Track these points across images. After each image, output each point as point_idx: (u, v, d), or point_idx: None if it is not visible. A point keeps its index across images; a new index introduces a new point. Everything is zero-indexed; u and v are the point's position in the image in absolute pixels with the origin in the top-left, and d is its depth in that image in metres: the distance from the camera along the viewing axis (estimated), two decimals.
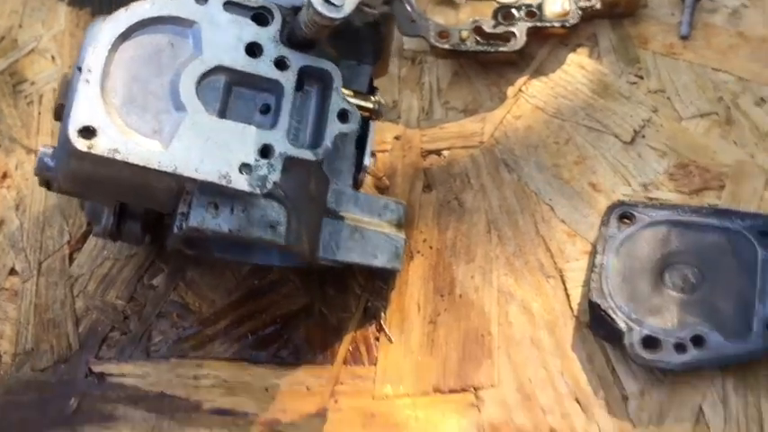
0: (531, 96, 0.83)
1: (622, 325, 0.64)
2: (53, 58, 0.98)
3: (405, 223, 0.74)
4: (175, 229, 0.63)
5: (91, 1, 1.03)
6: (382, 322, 0.72)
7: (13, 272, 0.82)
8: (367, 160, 0.73)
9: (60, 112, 0.65)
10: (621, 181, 0.75)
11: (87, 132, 0.56)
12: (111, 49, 0.59)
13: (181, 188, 0.63)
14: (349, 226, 0.70)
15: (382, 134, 0.83)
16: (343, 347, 0.71)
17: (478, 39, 0.84)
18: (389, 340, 0.71)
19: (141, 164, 0.56)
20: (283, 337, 0.73)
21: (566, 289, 0.70)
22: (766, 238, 0.66)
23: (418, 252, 0.75)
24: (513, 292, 0.71)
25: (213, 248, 0.73)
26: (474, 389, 0.67)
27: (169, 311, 0.76)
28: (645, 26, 0.84)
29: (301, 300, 0.75)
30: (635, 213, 0.70)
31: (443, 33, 0.84)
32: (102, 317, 0.77)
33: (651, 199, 0.73)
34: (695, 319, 0.64)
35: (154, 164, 0.56)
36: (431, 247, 0.75)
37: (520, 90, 0.83)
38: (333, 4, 0.58)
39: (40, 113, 0.93)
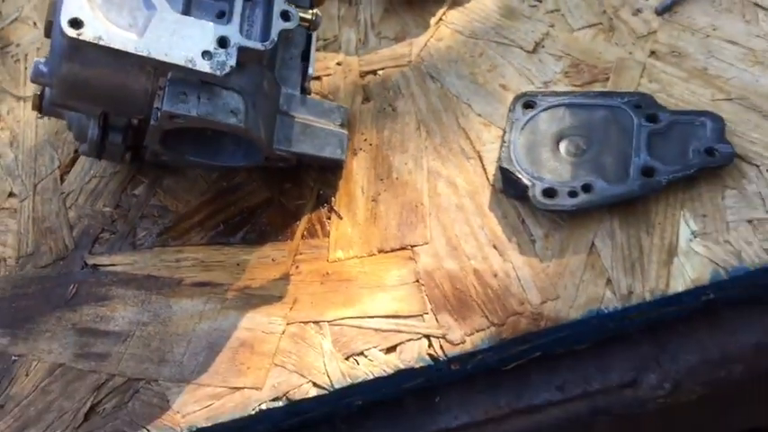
0: (450, 23, 0.97)
1: (527, 181, 0.78)
2: (34, 23, 1.10)
3: (347, 126, 0.87)
4: (153, 122, 0.76)
5: None
6: (333, 204, 0.85)
7: (11, 195, 0.94)
8: (311, 69, 0.87)
9: (49, 29, 0.77)
10: (526, 81, 0.89)
11: (76, 24, 0.68)
12: None
13: (154, 90, 0.76)
14: (300, 123, 0.84)
15: (326, 62, 0.97)
16: (301, 226, 0.84)
17: None
18: (339, 217, 0.84)
19: (120, 48, 0.69)
20: (250, 223, 0.86)
21: (483, 166, 0.84)
22: (640, 110, 0.81)
23: (360, 149, 0.89)
24: (440, 171, 0.85)
25: (186, 152, 0.86)
26: (411, 246, 0.80)
27: (151, 213, 0.88)
28: None
29: (263, 194, 0.87)
30: (536, 101, 0.85)
31: None
32: (93, 222, 0.89)
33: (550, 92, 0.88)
34: (585, 173, 0.78)
35: (131, 48, 0.69)
36: (371, 145, 0.89)
37: (441, 19, 0.97)
38: None
39: (26, 68, 1.05)
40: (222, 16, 0.77)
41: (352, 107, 0.92)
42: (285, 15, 0.77)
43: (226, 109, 0.76)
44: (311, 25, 0.83)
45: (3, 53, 1.08)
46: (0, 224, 0.91)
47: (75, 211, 0.90)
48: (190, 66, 0.71)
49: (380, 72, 0.95)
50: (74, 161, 0.95)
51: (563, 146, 0.81)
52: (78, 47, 0.71)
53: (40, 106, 0.86)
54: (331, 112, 0.87)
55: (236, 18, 0.75)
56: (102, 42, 0.69)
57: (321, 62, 0.96)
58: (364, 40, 0.98)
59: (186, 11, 0.75)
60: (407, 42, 0.97)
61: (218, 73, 0.72)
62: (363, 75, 0.95)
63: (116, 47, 0.69)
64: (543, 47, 0.92)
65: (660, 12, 0.91)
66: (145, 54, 0.70)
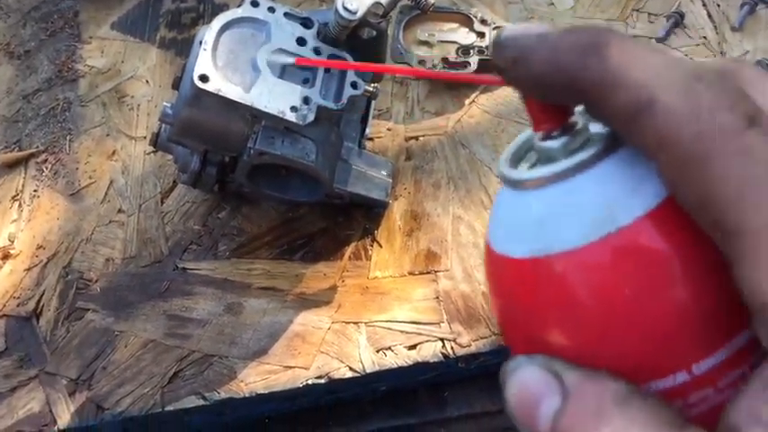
0: (480, 105, 1.18)
1: None
2: (147, 81, 1.35)
3: (392, 177, 1.08)
4: (245, 157, 0.97)
5: (174, 45, 1.41)
6: (375, 236, 1.05)
7: (120, 211, 1.15)
8: (368, 130, 1.08)
9: (176, 83, 1.00)
10: None
11: (203, 78, 0.90)
12: (218, 32, 0.94)
13: (249, 134, 0.98)
14: (355, 169, 1.05)
15: (379, 128, 1.18)
16: (349, 250, 1.03)
17: (445, 66, 1.21)
18: (380, 246, 1.03)
19: (233, 98, 0.90)
20: (308, 246, 1.05)
21: None
22: None
23: (401, 195, 1.09)
24: (462, 217, 1.04)
25: (263, 186, 1.06)
26: (434, 271, 0.99)
27: (230, 232, 1.09)
28: None
29: (321, 224, 1.07)
30: None
31: (422, 61, 1.21)
32: (184, 236, 1.09)
33: None
34: None
35: (240, 99, 0.90)
36: (409, 193, 1.09)
37: (473, 101, 1.19)
38: (349, 11, 0.95)
39: (138, 116, 1.29)
40: (306, 82, 0.99)
41: (397, 162, 1.13)
42: (354, 85, 0.98)
43: (302, 152, 0.97)
44: (372, 95, 1.05)
45: (120, 102, 1.32)
46: (110, 233, 1.12)
47: (170, 226, 1.11)
48: (281, 116, 0.93)
49: (421, 138, 1.16)
50: (172, 188, 1.16)
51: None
52: (200, 95, 0.93)
53: (155, 142, 1.08)
54: (380, 164, 1.08)
55: (318, 83, 0.97)
56: (220, 93, 0.91)
57: (375, 127, 1.18)
58: (410, 113, 1.20)
59: (281, 75, 0.97)
60: (445, 117, 1.18)
61: (300, 123, 0.93)
62: (408, 139, 1.16)
63: (230, 97, 0.91)
64: None
65: None
66: (249, 104, 0.92)
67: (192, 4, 1.48)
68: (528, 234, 0.32)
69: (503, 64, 0.32)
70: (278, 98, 0.94)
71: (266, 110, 0.93)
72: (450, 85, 1.22)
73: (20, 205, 1.17)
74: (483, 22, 1.25)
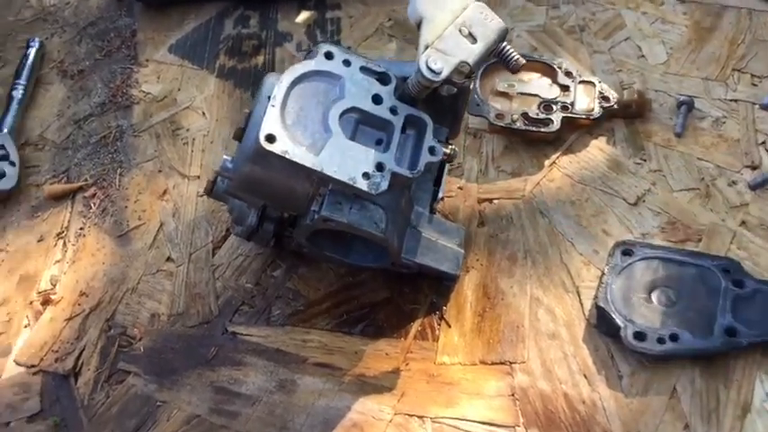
0: (561, 167, 1.07)
1: (620, 322, 0.86)
2: (203, 113, 1.25)
3: (464, 245, 0.97)
4: (308, 221, 0.87)
5: (233, 75, 1.32)
6: (443, 313, 0.94)
7: (169, 259, 1.06)
8: (440, 194, 0.97)
9: (239, 135, 0.90)
10: (626, 230, 0.98)
11: (270, 138, 0.80)
12: (289, 87, 0.84)
13: (314, 194, 0.88)
14: (425, 238, 0.94)
15: (450, 185, 1.08)
16: (414, 328, 0.93)
17: (526, 121, 1.09)
18: (448, 325, 0.93)
19: (301, 162, 0.80)
20: (369, 318, 0.95)
21: (580, 300, 0.92)
22: (728, 274, 0.88)
23: (472, 267, 0.98)
24: (541, 299, 0.93)
25: (324, 247, 0.97)
26: (509, 363, 0.88)
27: (285, 294, 0.99)
28: (650, 125, 1.09)
29: (383, 293, 0.97)
30: (634, 250, 0.93)
31: (500, 115, 1.10)
32: (236, 294, 1.00)
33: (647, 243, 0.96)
34: (673, 323, 0.85)
35: (308, 164, 0.80)
36: (482, 265, 0.98)
37: (554, 162, 1.08)
38: (433, 72, 0.84)
39: (192, 152, 1.19)
40: (380, 143, 0.88)
41: (469, 228, 1.02)
42: (432, 150, 0.88)
43: (371, 220, 0.87)
44: (448, 158, 0.94)
45: (174, 135, 1.23)
46: (157, 284, 1.03)
47: (221, 282, 1.02)
48: (351, 183, 0.83)
49: (496, 201, 1.05)
50: (225, 238, 1.07)
51: (655, 295, 0.89)
52: (265, 154, 0.83)
53: (211, 191, 0.99)
54: (451, 231, 0.97)
55: (394, 148, 0.86)
56: (287, 156, 0.81)
57: (446, 185, 1.07)
58: (484, 171, 1.09)
59: (353, 136, 0.87)
60: (522, 179, 1.07)
61: (372, 192, 0.83)
62: (481, 201, 1.06)
63: (298, 161, 0.81)
64: (644, 201, 1.00)
65: (753, 187, 0.99)
66: (318, 169, 0.82)
67: (253, 30, 1.39)
68: None
69: None
70: (349, 163, 0.84)
71: (336, 176, 0.83)
72: (528, 142, 1.11)
73: (64, 244, 1.09)
74: (568, 74, 1.13)
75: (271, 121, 0.82)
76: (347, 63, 0.88)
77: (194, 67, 1.33)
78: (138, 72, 1.34)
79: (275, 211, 0.97)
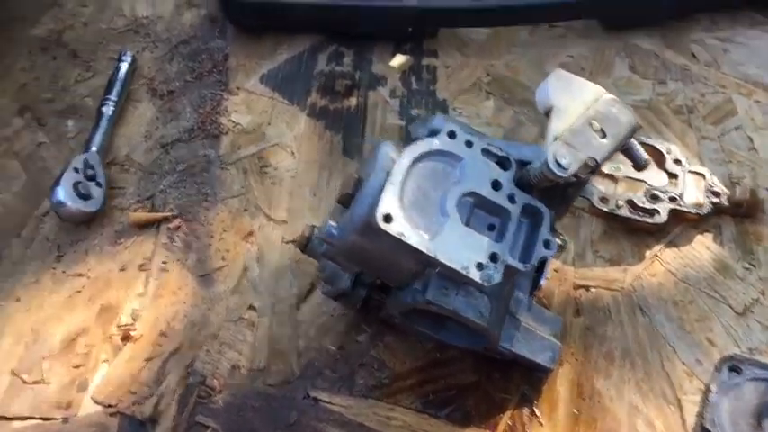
0: (664, 262, 1.03)
1: None
2: (292, 153, 1.23)
3: (560, 337, 0.93)
4: (409, 300, 0.85)
5: (325, 116, 1.30)
6: (535, 408, 0.90)
7: (251, 307, 1.03)
8: (543, 281, 0.94)
9: (347, 201, 0.87)
10: (732, 342, 0.93)
11: (387, 218, 0.77)
12: (410, 165, 0.81)
13: (418, 271, 0.85)
14: (523, 326, 0.91)
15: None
16: (503, 421, 0.90)
17: (630, 209, 1.05)
18: (540, 423, 0.89)
19: (416, 246, 0.77)
20: (457, 402, 0.91)
21: (682, 416, 0.88)
22: None
23: (567, 361, 0.94)
24: (640, 408, 0.89)
25: (417, 321, 0.94)
26: None
27: (370, 363, 0.96)
28: (761, 227, 1.04)
29: (472, 376, 0.94)
30: (742, 368, 0.89)
31: (604, 199, 1.06)
32: (319, 357, 0.97)
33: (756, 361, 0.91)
34: None
35: (423, 249, 0.77)
36: (576, 359, 0.94)
37: (656, 255, 1.04)
38: (562, 167, 0.81)
39: (279, 193, 1.17)
40: (492, 228, 0.85)
41: (564, 316, 0.98)
42: (547, 244, 0.84)
43: (476, 308, 0.84)
44: (559, 249, 0.91)
45: (261, 172, 1.20)
46: (239, 333, 1.00)
47: (304, 340, 0.99)
48: (464, 272, 0.79)
49: (593, 289, 1.01)
50: (309, 292, 1.04)
51: (767, 423, 0.84)
52: (376, 230, 0.80)
53: (304, 248, 0.96)
54: (549, 321, 0.94)
55: (509, 238, 0.83)
56: (403, 238, 0.78)
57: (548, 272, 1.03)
58: (582, 254, 1.05)
59: (467, 220, 0.84)
60: (622, 268, 1.03)
61: (484, 284, 0.80)
62: (577, 287, 1.02)
63: (413, 245, 0.78)
64: (752, 312, 0.96)
65: None
66: (432, 255, 0.79)
67: (347, 68, 1.36)
68: None
69: None
70: (463, 251, 0.80)
71: (450, 264, 0.79)
72: (629, 230, 1.07)
73: (147, 277, 1.07)
74: (677, 162, 1.09)
75: (389, 200, 0.79)
76: (469, 144, 0.85)
77: (285, 102, 1.31)
78: (227, 100, 1.32)
79: (370, 277, 0.94)
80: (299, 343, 0.99)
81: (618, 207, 1.05)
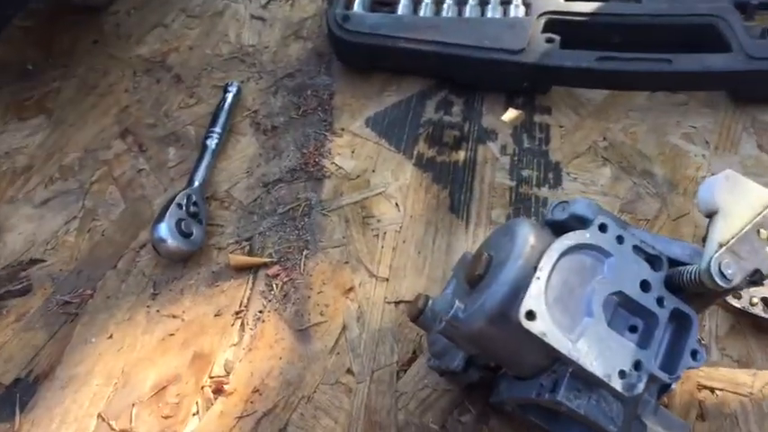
0: None
1: None
2: (397, 205, 1.18)
3: None
4: (533, 395, 0.78)
5: (431, 167, 1.25)
6: None
7: (349, 371, 0.98)
8: (674, 385, 0.86)
9: (475, 282, 0.82)
10: None
11: (530, 315, 0.72)
12: (558, 258, 0.76)
13: (545, 366, 0.79)
14: (649, 430, 0.84)
15: None
16: None
17: (765, 307, 0.98)
18: None
19: (557, 348, 0.71)
20: None
21: None
22: None
23: None
24: None
25: (531, 412, 0.87)
26: None
27: None
28: None
29: None
30: None
31: (737, 294, 0.99)
32: None
33: None
34: None
35: (565, 351, 0.71)
36: None
37: None
38: (725, 278, 0.74)
39: (382, 247, 1.12)
40: (633, 330, 0.78)
41: (687, 417, 0.91)
42: (694, 355, 0.77)
43: (608, 415, 0.77)
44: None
45: (364, 222, 1.16)
46: (335, 398, 0.96)
47: (404, 414, 0.94)
48: (605, 380, 0.73)
49: (719, 393, 0.94)
50: (410, 362, 0.99)
51: None
52: (514, 324, 0.75)
53: (416, 319, 0.90)
54: (676, 427, 0.86)
55: (654, 345, 0.76)
56: (545, 339, 0.72)
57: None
58: (707, 351, 0.98)
59: (610, 320, 0.77)
60: (751, 372, 0.95)
61: (626, 394, 0.73)
62: (701, 387, 0.94)
63: (554, 346, 0.72)
64: None
65: None
66: (574, 359, 0.73)
67: (456, 119, 1.31)
68: None
69: None
70: (607, 356, 0.74)
71: (592, 370, 0.73)
72: (759, 328, 0.98)
73: (242, 326, 1.03)
74: None
75: (534, 297, 0.73)
76: (620, 240, 0.79)
77: (391, 149, 1.27)
78: (332, 141, 1.29)
79: (484, 359, 0.89)
80: (398, 416, 0.93)
81: (752, 305, 0.97)
